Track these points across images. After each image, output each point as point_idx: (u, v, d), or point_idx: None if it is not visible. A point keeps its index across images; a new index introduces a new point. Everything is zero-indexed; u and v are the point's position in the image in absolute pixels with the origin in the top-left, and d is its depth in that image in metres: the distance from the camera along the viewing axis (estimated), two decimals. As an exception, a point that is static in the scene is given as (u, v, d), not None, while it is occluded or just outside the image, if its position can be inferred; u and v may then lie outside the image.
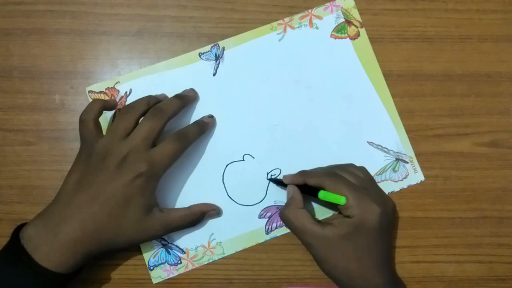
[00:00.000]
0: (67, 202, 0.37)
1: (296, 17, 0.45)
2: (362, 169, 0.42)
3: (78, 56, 0.44)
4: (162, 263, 0.43)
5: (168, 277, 0.43)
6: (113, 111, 0.44)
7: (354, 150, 0.44)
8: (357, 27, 0.45)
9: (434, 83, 0.45)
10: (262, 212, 0.43)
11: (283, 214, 0.40)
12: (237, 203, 0.43)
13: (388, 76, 0.45)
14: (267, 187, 0.44)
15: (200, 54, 0.45)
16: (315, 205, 0.44)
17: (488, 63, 0.45)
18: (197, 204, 0.42)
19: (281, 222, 0.42)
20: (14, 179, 0.43)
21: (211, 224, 0.43)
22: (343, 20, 0.45)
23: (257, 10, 0.45)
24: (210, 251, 0.43)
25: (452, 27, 0.45)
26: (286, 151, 0.44)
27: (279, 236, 0.43)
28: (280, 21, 0.45)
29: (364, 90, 0.44)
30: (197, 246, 0.43)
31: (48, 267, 0.35)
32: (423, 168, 0.44)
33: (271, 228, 0.43)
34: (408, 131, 0.44)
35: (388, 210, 0.39)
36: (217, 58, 0.45)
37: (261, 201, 0.43)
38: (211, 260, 0.43)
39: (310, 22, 0.45)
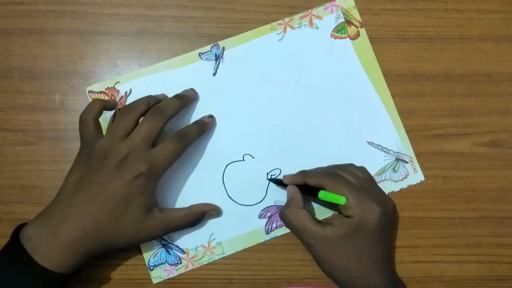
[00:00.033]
0: (67, 202, 0.37)
1: (296, 17, 0.45)
2: (362, 169, 0.42)
3: (78, 56, 0.44)
4: (162, 263, 0.43)
5: (168, 277, 0.43)
6: (113, 111, 0.44)
7: (354, 150, 0.44)
8: (357, 27, 0.45)
9: (434, 83, 0.45)
10: (262, 212, 0.43)
11: (283, 214, 0.40)
12: (237, 203, 0.43)
13: (388, 76, 0.45)
14: (267, 187, 0.44)
15: (200, 54, 0.45)
16: (315, 205, 0.44)
17: (488, 63, 0.45)
18: (197, 204, 0.42)
19: (281, 222, 0.42)
20: (14, 179, 0.43)
21: (211, 224, 0.43)
22: (343, 20, 0.45)
23: (257, 10, 0.45)
24: (210, 251, 0.43)
25: (452, 27, 0.45)
26: (286, 151, 0.44)
27: (279, 236, 0.43)
28: (280, 21, 0.45)
29: (364, 90, 0.44)
30: (197, 246, 0.43)
31: (48, 267, 0.35)
32: (423, 168, 0.44)
33: (271, 228, 0.43)
34: (408, 131, 0.44)
35: (388, 210, 0.39)
36: (217, 58, 0.45)
37: (261, 201, 0.43)
38: (211, 260, 0.43)
39: (310, 22, 0.45)
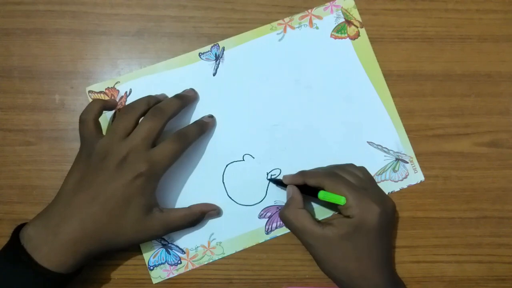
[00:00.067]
0: (67, 202, 0.37)
1: (296, 17, 0.45)
2: (362, 169, 0.42)
3: (78, 56, 0.44)
4: (162, 263, 0.43)
5: (168, 277, 0.43)
6: (113, 111, 0.44)
7: (354, 150, 0.44)
8: (357, 27, 0.45)
9: (434, 83, 0.45)
10: (262, 212, 0.43)
11: (282, 214, 0.40)
12: (237, 203, 0.43)
13: (388, 76, 0.45)
14: (267, 187, 0.44)
15: (200, 54, 0.45)
16: (315, 205, 0.44)
17: (488, 63, 0.45)
18: (197, 204, 0.42)
19: (281, 222, 0.42)
20: (14, 179, 0.43)
21: (211, 224, 0.43)
22: (343, 20, 0.45)
23: (257, 10, 0.45)
24: (210, 251, 0.43)
25: (452, 27, 0.45)
26: (286, 151, 0.44)
27: (279, 236, 0.43)
28: (280, 21, 0.45)
29: (364, 90, 0.44)
30: (197, 246, 0.43)
31: (48, 267, 0.35)
32: (423, 168, 0.44)
33: (271, 228, 0.43)
34: (408, 131, 0.44)
35: (388, 210, 0.39)
36: (217, 58, 0.45)
37: (261, 201, 0.43)
38: (211, 260, 0.43)
39: (310, 22, 0.45)
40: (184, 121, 0.44)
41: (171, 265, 0.43)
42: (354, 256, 0.37)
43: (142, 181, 0.37)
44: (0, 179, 0.43)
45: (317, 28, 0.45)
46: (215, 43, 0.45)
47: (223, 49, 0.45)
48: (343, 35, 0.45)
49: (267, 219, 0.43)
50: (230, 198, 0.43)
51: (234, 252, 0.43)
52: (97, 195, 0.36)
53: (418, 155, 0.44)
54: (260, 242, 0.43)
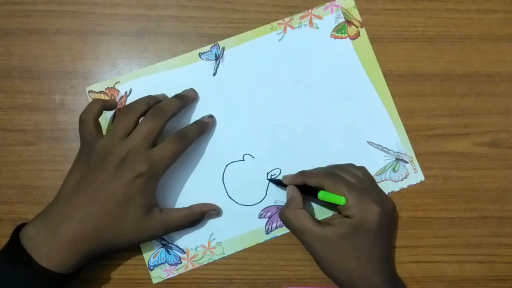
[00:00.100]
0: (67, 202, 0.37)
1: (296, 17, 0.45)
2: (362, 169, 0.42)
3: (78, 56, 0.44)
4: (162, 263, 0.43)
5: (168, 277, 0.43)
6: (113, 111, 0.44)
7: (354, 150, 0.44)
8: (357, 27, 0.45)
9: (434, 83, 0.45)
10: (262, 212, 0.43)
11: (282, 214, 0.40)
12: (237, 203, 0.43)
13: (388, 76, 0.45)
14: (267, 187, 0.44)
15: (200, 54, 0.45)
16: (314, 205, 0.44)
17: (488, 63, 0.45)
18: (197, 204, 0.42)
19: (281, 222, 0.42)
20: (14, 179, 0.43)
21: (211, 224, 0.43)
22: (343, 20, 0.45)
23: (257, 10, 0.45)
24: (210, 251, 0.43)
25: (452, 27, 0.45)
26: (286, 151, 0.44)
27: (279, 236, 0.43)
28: (280, 21, 0.45)
29: (364, 90, 0.44)
30: (197, 246, 0.43)
31: (48, 267, 0.35)
32: (423, 168, 0.44)
33: (271, 228, 0.43)
34: (408, 131, 0.44)
35: (388, 210, 0.39)
36: (217, 58, 0.45)
37: (261, 201, 0.43)
38: (211, 260, 0.43)
39: (310, 22, 0.45)
40: (184, 121, 0.44)
41: (171, 265, 0.43)
42: (354, 256, 0.37)
43: (142, 181, 0.37)
44: (0, 179, 0.43)
45: (317, 28, 0.45)
46: (215, 43, 0.45)
47: (223, 49, 0.45)
48: (343, 35, 0.45)
49: (267, 219, 0.43)
50: (230, 198, 0.43)
51: (234, 252, 0.43)
52: (97, 195, 0.36)
53: (418, 155, 0.44)
54: (260, 242, 0.43)
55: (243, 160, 0.44)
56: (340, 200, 0.36)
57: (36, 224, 0.36)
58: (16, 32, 0.44)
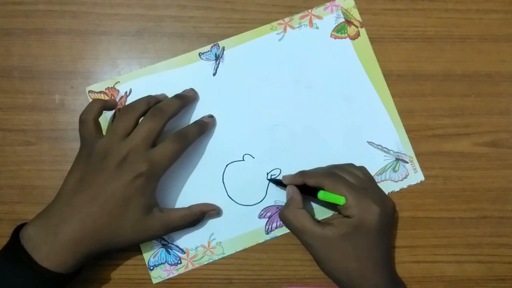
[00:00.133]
0: (67, 202, 0.37)
1: (296, 17, 0.45)
2: (362, 169, 0.42)
3: (78, 56, 0.44)
4: (162, 263, 0.43)
5: (168, 277, 0.43)
6: (113, 111, 0.44)
7: (354, 150, 0.44)
8: (357, 27, 0.45)
9: (434, 83, 0.45)
10: (262, 212, 0.43)
11: (282, 214, 0.40)
12: (237, 203, 0.43)
13: (388, 76, 0.45)
14: (267, 187, 0.44)
15: (200, 54, 0.45)
16: (314, 205, 0.44)
17: (488, 63, 0.45)
18: (197, 204, 0.42)
19: (281, 222, 0.42)
20: (14, 179, 0.43)
21: (211, 224, 0.43)
22: (343, 20, 0.45)
23: (257, 10, 0.45)
24: (210, 251, 0.43)
25: (452, 27, 0.45)
26: (286, 151, 0.44)
27: (279, 236, 0.43)
28: (280, 21, 0.45)
29: (364, 90, 0.44)
30: (197, 246, 0.43)
31: (48, 267, 0.35)
32: (423, 168, 0.44)
33: (271, 228, 0.43)
34: (408, 131, 0.44)
35: (388, 210, 0.39)
36: (217, 58, 0.45)
37: (261, 201, 0.43)
38: (211, 260, 0.43)
39: (310, 22, 0.45)
40: (184, 121, 0.44)
41: (171, 265, 0.43)
42: (354, 256, 0.37)
43: (142, 181, 0.37)
44: (0, 179, 0.43)
45: (317, 28, 0.45)
46: (215, 43, 0.45)
47: (223, 49, 0.45)
48: (343, 35, 0.45)
49: (267, 219, 0.43)
50: (230, 198, 0.43)
51: (234, 252, 0.43)
52: (97, 195, 0.36)
53: (418, 155, 0.44)
54: (260, 242, 0.43)
55: (243, 160, 0.44)
56: (340, 200, 0.36)
57: (36, 224, 0.36)
58: (16, 32, 0.44)
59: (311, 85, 0.44)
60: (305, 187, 0.40)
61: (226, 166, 0.44)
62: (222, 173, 0.44)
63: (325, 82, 0.44)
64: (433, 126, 0.44)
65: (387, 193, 0.43)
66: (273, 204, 0.44)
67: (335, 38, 0.45)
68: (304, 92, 0.44)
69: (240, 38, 0.45)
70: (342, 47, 0.45)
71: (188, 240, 0.43)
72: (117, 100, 0.44)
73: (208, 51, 0.45)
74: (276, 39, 0.45)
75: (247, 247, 0.43)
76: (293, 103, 0.44)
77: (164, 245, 0.43)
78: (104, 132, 0.41)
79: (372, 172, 0.43)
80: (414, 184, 0.44)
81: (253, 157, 0.44)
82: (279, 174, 0.44)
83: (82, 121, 0.39)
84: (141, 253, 0.43)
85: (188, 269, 0.43)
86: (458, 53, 0.45)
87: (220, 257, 0.43)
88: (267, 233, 0.43)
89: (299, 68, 0.45)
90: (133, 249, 0.43)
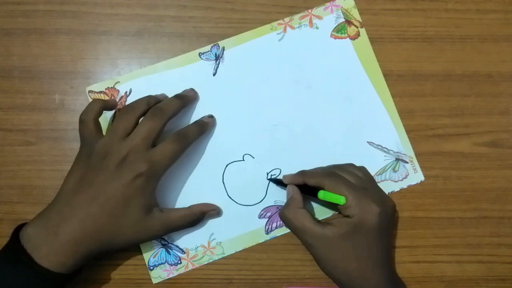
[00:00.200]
0: (67, 202, 0.37)
1: (296, 17, 0.45)
2: (362, 169, 0.42)
3: (78, 56, 0.44)
4: (162, 263, 0.43)
5: (168, 277, 0.43)
6: (113, 111, 0.44)
7: (354, 150, 0.44)
8: (357, 27, 0.45)
9: (434, 83, 0.45)
10: (262, 212, 0.43)
11: (282, 214, 0.40)
12: (237, 203, 0.43)
13: (388, 76, 0.45)
14: (267, 187, 0.44)
15: (200, 54, 0.45)
16: (315, 205, 0.44)
17: (488, 63, 0.45)
18: (197, 204, 0.42)
19: (281, 222, 0.42)
20: (14, 179, 0.43)
21: (211, 224, 0.43)
22: (343, 20, 0.45)
23: (257, 10, 0.45)
24: (210, 251, 0.43)
25: (452, 27, 0.45)
26: (286, 151, 0.44)
27: (279, 236, 0.43)
28: (280, 21, 0.45)
29: (364, 90, 0.44)
30: (197, 246, 0.43)
31: (48, 267, 0.35)
32: (423, 168, 0.44)
33: (271, 228, 0.43)
34: (408, 131, 0.44)
35: (388, 210, 0.39)
36: (217, 58, 0.45)
37: (261, 201, 0.43)
38: (211, 260, 0.43)
39: (310, 22, 0.45)
40: (184, 121, 0.44)
41: (171, 265, 0.43)
42: (353, 256, 0.37)
43: (142, 181, 0.37)
44: (0, 179, 0.43)
45: (317, 28, 0.45)
46: (215, 43, 0.45)
47: (223, 49, 0.45)
48: (343, 35, 0.45)
49: (267, 219, 0.43)
50: (230, 198, 0.43)
51: (234, 252, 0.43)
52: (97, 195, 0.36)
53: (418, 155, 0.44)
54: (260, 242, 0.43)
55: (243, 160, 0.44)
56: (340, 199, 0.36)
57: (36, 224, 0.36)
58: (16, 32, 0.44)
59: (311, 85, 0.44)
60: (305, 187, 0.40)
61: (226, 166, 0.44)
62: (222, 173, 0.44)
63: (325, 82, 0.44)
64: (433, 126, 0.44)
65: (387, 193, 0.43)
66: (273, 204, 0.44)
67: (335, 38, 0.45)
68: (304, 92, 0.44)
69: (240, 38, 0.45)
70: (342, 47, 0.45)
71: (188, 240, 0.43)
72: (117, 100, 0.44)
73: (208, 51, 0.45)
74: (276, 39, 0.45)
75: (247, 247, 0.43)
76: (293, 103, 0.44)
77: (164, 245, 0.43)
78: (104, 132, 0.41)
79: (372, 172, 0.43)
80: (414, 184, 0.44)
81: (253, 157, 0.44)
82: (279, 174, 0.44)
83: (82, 121, 0.39)
84: (141, 253, 0.43)
85: (188, 269, 0.43)
86: (458, 53, 0.45)
87: (220, 257, 0.43)
88: (267, 233, 0.43)
89: (299, 68, 0.45)
90: (133, 249, 0.43)
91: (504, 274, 0.44)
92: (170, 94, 0.43)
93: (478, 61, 0.45)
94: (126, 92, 0.44)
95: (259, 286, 0.43)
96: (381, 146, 0.44)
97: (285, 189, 0.42)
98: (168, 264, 0.43)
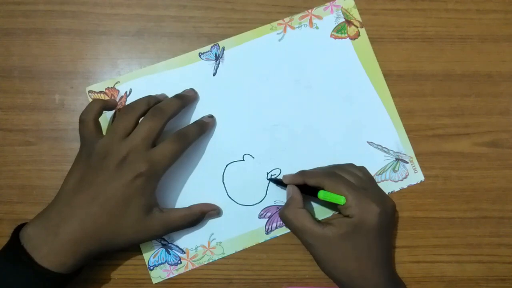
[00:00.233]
0: (67, 202, 0.37)
1: (296, 17, 0.45)
2: (362, 169, 0.42)
3: (78, 56, 0.44)
4: (162, 263, 0.43)
5: (168, 277, 0.43)
6: (113, 111, 0.44)
7: (354, 150, 0.44)
8: (357, 27, 0.45)
9: (434, 83, 0.45)
10: (262, 212, 0.43)
11: (282, 214, 0.40)
12: (237, 203, 0.43)
13: (388, 76, 0.45)
14: (267, 187, 0.44)
15: (200, 54, 0.45)
16: (315, 205, 0.44)
17: (488, 63, 0.45)
18: (197, 204, 0.42)
19: (281, 222, 0.42)
20: (14, 179, 0.43)
21: (211, 224, 0.43)
22: (343, 20, 0.45)
23: (257, 10, 0.45)
24: (210, 251, 0.43)
25: (452, 27, 0.45)
26: (286, 151, 0.44)
27: (279, 236, 0.43)
28: (280, 21, 0.45)
29: (364, 90, 0.44)
30: (197, 246, 0.43)
31: (48, 267, 0.35)
32: (423, 168, 0.44)
33: (271, 228, 0.43)
34: (408, 131, 0.44)
35: (388, 210, 0.39)
36: (217, 58, 0.45)
37: (261, 201, 0.43)
38: (211, 260, 0.43)
39: (310, 22, 0.45)
40: (184, 121, 0.44)
41: (171, 265, 0.43)
42: (353, 256, 0.37)
43: (142, 181, 0.37)
44: (0, 179, 0.43)
45: (317, 28, 0.45)
46: (215, 43, 0.45)
47: (223, 49, 0.45)
48: (343, 35, 0.45)
49: (267, 219, 0.43)
50: (230, 198, 0.43)
51: (234, 252, 0.43)
52: (97, 195, 0.36)
53: (418, 155, 0.44)
54: (260, 242, 0.43)
55: (243, 160, 0.44)
56: (340, 199, 0.36)
57: (36, 224, 0.36)
58: (16, 32, 0.44)
59: (311, 85, 0.44)
60: (305, 187, 0.40)
61: (226, 166, 0.44)
62: (222, 173, 0.44)
63: (325, 82, 0.44)
64: (433, 126, 0.44)
65: (387, 193, 0.43)
66: (273, 204, 0.44)
67: (335, 38, 0.45)
68: (304, 92, 0.44)
69: (240, 38, 0.45)
70: (342, 47, 0.45)
71: (188, 240, 0.43)
72: (117, 100, 0.44)
73: (208, 51, 0.45)
74: (276, 39, 0.45)
75: (247, 247, 0.43)
76: (293, 103, 0.44)
77: (164, 245, 0.43)
78: (104, 132, 0.41)
79: (372, 172, 0.43)
80: (414, 184, 0.44)
81: (253, 157, 0.44)
82: (279, 174, 0.44)
83: (82, 121, 0.39)
84: (141, 253, 0.43)
85: (188, 269, 0.43)
86: (458, 53, 0.45)
87: (220, 257, 0.43)
88: (267, 233, 0.43)
89: (299, 68, 0.45)
90: (133, 249, 0.43)
91: (504, 274, 0.44)
92: (170, 94, 0.43)
93: (478, 61, 0.45)
94: (126, 92, 0.44)
95: (259, 286, 0.43)
96: (381, 146, 0.44)
97: (285, 189, 0.42)
98: (168, 264, 0.43)
